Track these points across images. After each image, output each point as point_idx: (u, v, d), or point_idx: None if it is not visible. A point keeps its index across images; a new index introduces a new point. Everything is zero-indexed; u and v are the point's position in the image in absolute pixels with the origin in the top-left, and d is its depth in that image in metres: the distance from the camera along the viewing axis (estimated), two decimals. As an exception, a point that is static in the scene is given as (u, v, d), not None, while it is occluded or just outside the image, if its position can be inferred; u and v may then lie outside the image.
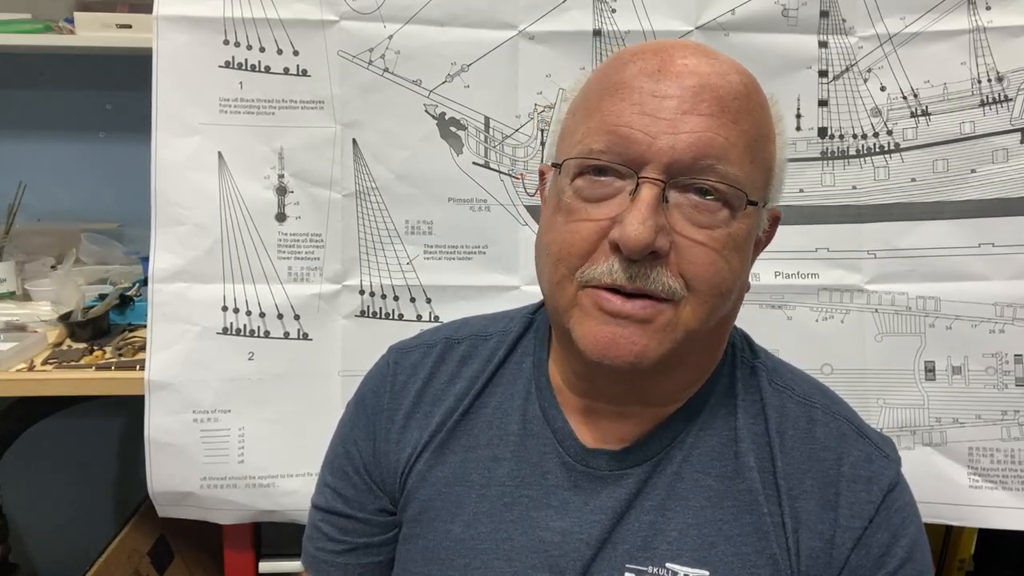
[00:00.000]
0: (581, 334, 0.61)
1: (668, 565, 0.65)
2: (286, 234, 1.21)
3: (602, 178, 0.61)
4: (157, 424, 1.17)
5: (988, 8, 1.19)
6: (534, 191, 1.22)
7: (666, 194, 0.59)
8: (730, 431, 0.69)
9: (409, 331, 0.83)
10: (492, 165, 1.22)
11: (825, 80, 1.21)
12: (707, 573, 0.65)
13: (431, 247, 1.23)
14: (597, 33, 1.20)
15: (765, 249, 0.71)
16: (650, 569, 0.65)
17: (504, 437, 0.72)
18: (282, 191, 1.21)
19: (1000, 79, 1.19)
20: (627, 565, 0.66)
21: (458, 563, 0.70)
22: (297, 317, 1.21)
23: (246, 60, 1.19)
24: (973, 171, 1.20)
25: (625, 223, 0.58)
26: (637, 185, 0.59)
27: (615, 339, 0.59)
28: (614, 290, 0.60)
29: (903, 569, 0.66)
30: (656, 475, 0.67)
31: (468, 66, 1.21)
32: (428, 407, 0.75)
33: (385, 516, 0.76)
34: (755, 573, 0.65)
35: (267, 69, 1.19)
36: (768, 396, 0.70)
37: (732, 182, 0.59)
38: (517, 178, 1.22)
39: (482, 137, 1.22)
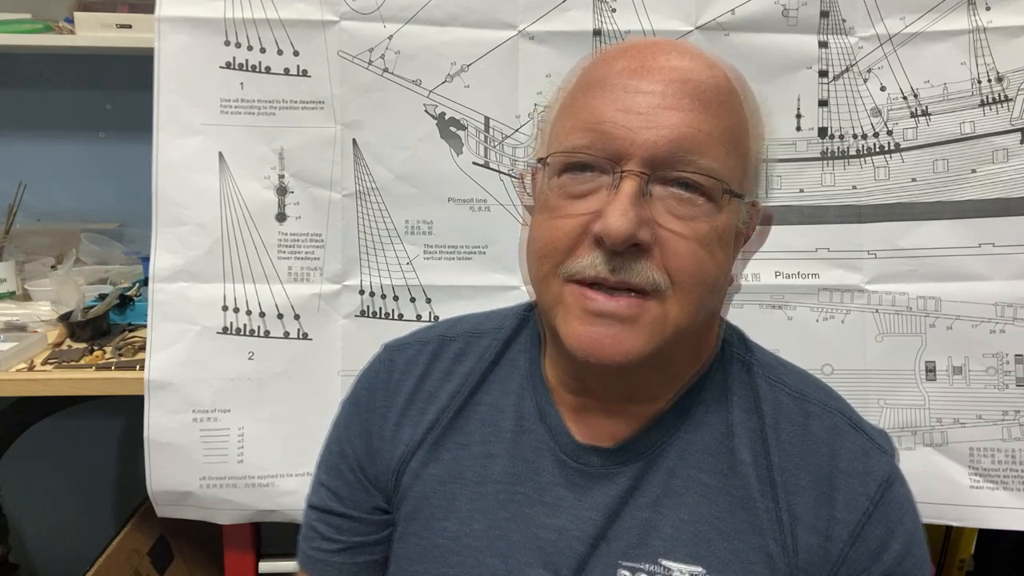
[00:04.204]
0: (567, 333, 0.62)
1: (662, 562, 0.65)
2: (286, 234, 1.21)
3: (585, 174, 0.62)
4: (156, 423, 1.17)
5: (988, 8, 1.19)
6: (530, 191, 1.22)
7: (648, 188, 0.60)
8: (724, 427, 0.69)
9: (409, 331, 0.83)
10: (492, 165, 1.22)
11: (825, 80, 1.21)
12: (702, 570, 0.65)
13: (431, 247, 1.23)
14: (597, 33, 1.20)
15: (761, 249, 0.71)
16: (644, 566, 0.65)
17: (498, 434, 0.72)
18: (282, 191, 1.21)
19: (1000, 79, 1.19)
20: (621, 562, 0.66)
21: (452, 560, 0.70)
22: (297, 317, 1.21)
23: (247, 61, 1.19)
24: (973, 171, 1.20)
25: (606, 215, 0.59)
26: (620, 179, 0.60)
27: (601, 339, 0.60)
28: (598, 284, 0.60)
29: (900, 564, 0.65)
30: (650, 472, 0.67)
31: (468, 66, 1.21)
32: (422, 404, 0.75)
33: (380, 515, 0.76)
34: (750, 569, 0.65)
35: (267, 70, 1.19)
36: (763, 391, 0.70)
37: (713, 175, 0.60)
38: (517, 178, 1.22)
39: (482, 137, 1.22)
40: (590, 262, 0.60)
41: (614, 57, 0.64)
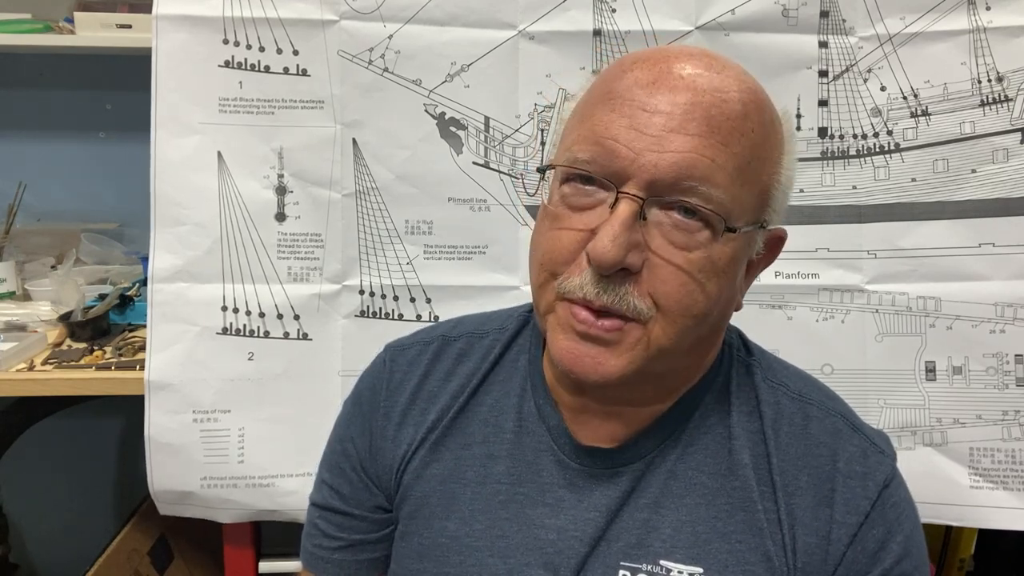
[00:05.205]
0: (553, 344, 0.63)
1: (662, 562, 0.66)
2: (286, 234, 1.21)
3: (587, 187, 0.61)
4: (157, 424, 1.17)
5: (988, 8, 1.19)
6: (534, 191, 1.22)
7: (645, 211, 0.59)
8: (724, 429, 0.69)
9: (409, 331, 0.83)
10: (492, 165, 1.22)
11: (825, 80, 1.21)
12: (701, 570, 0.65)
13: (431, 247, 1.23)
14: (597, 33, 1.20)
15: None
16: (644, 566, 0.66)
17: (499, 435, 0.72)
18: (282, 191, 1.21)
19: (1000, 79, 1.19)
20: (621, 563, 0.66)
21: (453, 560, 0.70)
22: (297, 317, 1.21)
23: (246, 60, 1.19)
24: (973, 171, 1.20)
25: (597, 238, 0.58)
26: (617, 199, 0.59)
27: (582, 357, 0.61)
28: (586, 303, 0.60)
29: (899, 565, 0.66)
30: (650, 473, 0.68)
31: (468, 66, 1.21)
32: (424, 404, 0.75)
33: (381, 513, 0.76)
34: (749, 570, 0.65)
35: (267, 69, 1.19)
36: (763, 393, 0.70)
37: (714, 206, 0.59)
38: (517, 178, 1.22)
39: (482, 137, 1.22)
40: (579, 283, 0.60)
41: (632, 66, 0.62)
